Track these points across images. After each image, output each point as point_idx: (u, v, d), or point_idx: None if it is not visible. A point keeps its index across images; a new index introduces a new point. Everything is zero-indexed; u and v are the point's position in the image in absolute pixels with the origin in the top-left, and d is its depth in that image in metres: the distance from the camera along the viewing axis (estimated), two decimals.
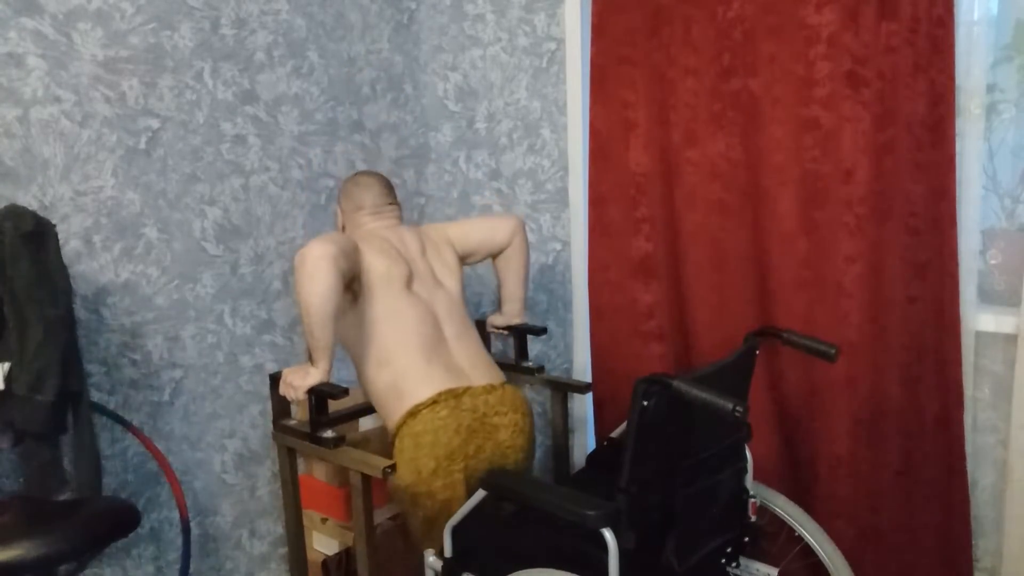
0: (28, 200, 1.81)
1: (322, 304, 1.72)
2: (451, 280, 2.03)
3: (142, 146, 2.00)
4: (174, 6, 2.03)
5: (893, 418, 1.94)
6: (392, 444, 1.87)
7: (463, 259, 2.12)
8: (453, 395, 1.84)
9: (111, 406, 1.97)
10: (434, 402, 1.81)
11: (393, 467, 1.80)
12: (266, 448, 2.33)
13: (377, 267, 1.87)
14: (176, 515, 2.13)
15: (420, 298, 1.93)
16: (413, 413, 1.82)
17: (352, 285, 1.85)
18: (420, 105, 2.74)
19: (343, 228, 2.09)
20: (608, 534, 1.39)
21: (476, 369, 1.93)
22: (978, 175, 1.84)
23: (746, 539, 1.72)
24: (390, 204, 2.07)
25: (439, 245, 2.07)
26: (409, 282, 1.93)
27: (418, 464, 1.80)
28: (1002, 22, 1.84)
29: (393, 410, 1.86)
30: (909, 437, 1.95)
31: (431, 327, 1.91)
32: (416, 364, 1.85)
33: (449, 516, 1.80)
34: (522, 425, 1.93)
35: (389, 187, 2.09)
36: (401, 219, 2.10)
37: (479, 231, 2.14)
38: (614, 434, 2.01)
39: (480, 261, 2.19)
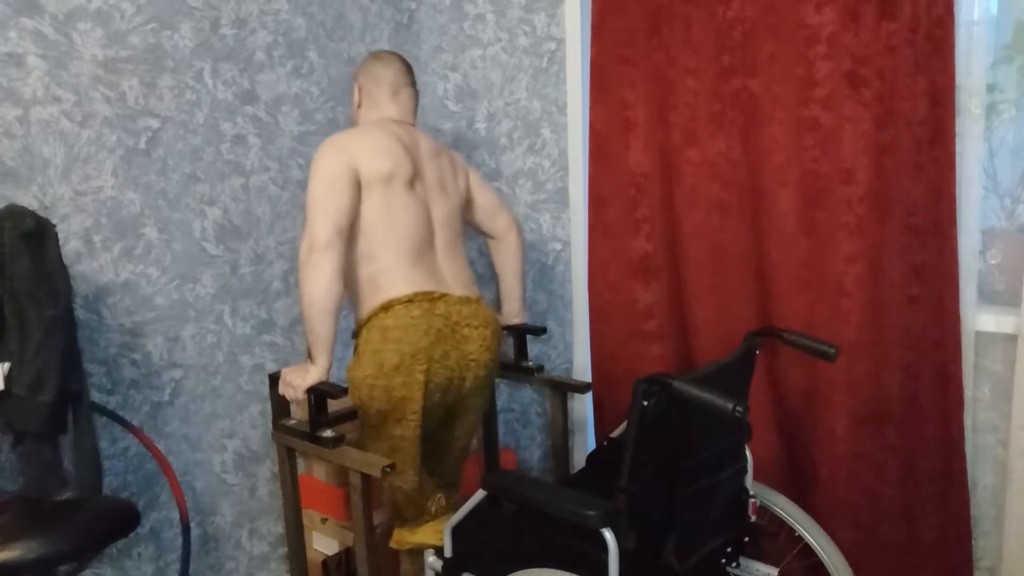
0: (28, 200, 1.81)
1: (325, 295, 1.73)
2: (456, 194, 2.03)
3: (142, 146, 2.00)
4: (174, 6, 2.03)
5: (893, 418, 1.94)
6: (358, 334, 1.87)
7: (468, 198, 2.14)
8: (429, 298, 1.84)
9: (111, 406, 1.97)
10: (409, 300, 1.82)
11: (392, 466, 1.80)
12: (266, 448, 2.33)
13: (379, 169, 1.84)
14: (176, 515, 2.13)
15: (419, 199, 1.92)
16: (386, 307, 1.82)
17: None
18: (420, 105, 2.74)
19: (359, 105, 2.05)
20: (608, 534, 1.39)
21: (457, 281, 1.95)
22: (978, 175, 1.84)
23: (746, 539, 1.72)
24: (409, 85, 2.05)
25: (456, 166, 2.08)
26: (412, 181, 1.91)
27: (382, 357, 1.80)
28: (1002, 22, 1.84)
29: (367, 302, 1.86)
30: (909, 437, 1.95)
31: (423, 231, 1.91)
32: (400, 263, 1.85)
33: (401, 416, 1.82)
34: (490, 342, 1.94)
35: (409, 67, 2.07)
36: (416, 109, 2.08)
37: (489, 195, 2.18)
38: (614, 434, 2.01)
39: (469, 223, 2.18)
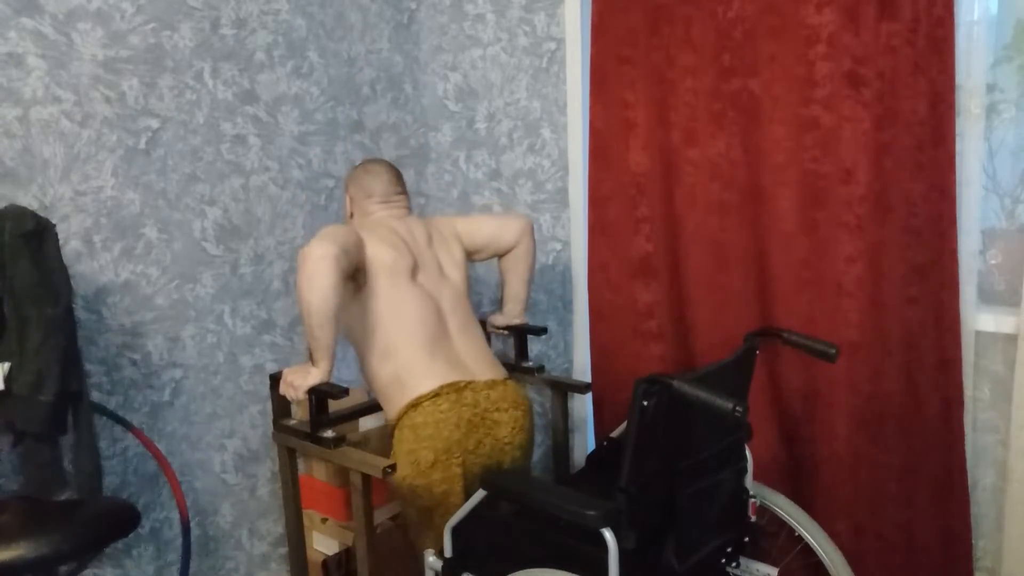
0: (28, 200, 1.81)
1: (322, 304, 1.72)
2: (457, 273, 2.03)
3: (142, 146, 2.00)
4: (174, 6, 2.03)
5: (893, 418, 1.94)
6: (392, 435, 1.88)
7: (470, 255, 2.13)
8: (455, 389, 1.84)
9: (111, 406, 1.97)
10: (436, 395, 1.82)
11: (393, 466, 1.80)
12: (266, 448, 2.33)
13: (382, 258, 1.87)
14: (176, 515, 2.13)
15: (425, 290, 1.93)
16: (415, 405, 1.82)
17: (356, 276, 1.86)
18: (420, 105, 2.74)
19: (351, 215, 2.08)
20: (608, 534, 1.39)
21: (479, 364, 1.93)
22: (978, 175, 1.84)
23: (746, 539, 1.72)
24: (399, 193, 2.07)
25: (447, 238, 2.07)
26: (414, 273, 1.92)
27: (417, 456, 1.80)
28: (1002, 22, 1.84)
29: (395, 402, 1.86)
30: (909, 437, 1.95)
31: (435, 320, 1.91)
32: (419, 357, 1.85)
33: (446, 510, 1.80)
34: (522, 422, 1.93)
35: (399, 176, 2.08)
36: (410, 208, 2.10)
37: (488, 229, 2.14)
38: (614, 434, 2.01)
39: (486, 259, 2.19)
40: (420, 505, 1.83)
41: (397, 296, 1.87)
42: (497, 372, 1.96)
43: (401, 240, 1.94)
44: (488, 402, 1.88)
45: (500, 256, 2.19)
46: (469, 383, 1.87)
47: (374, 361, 1.88)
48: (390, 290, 1.87)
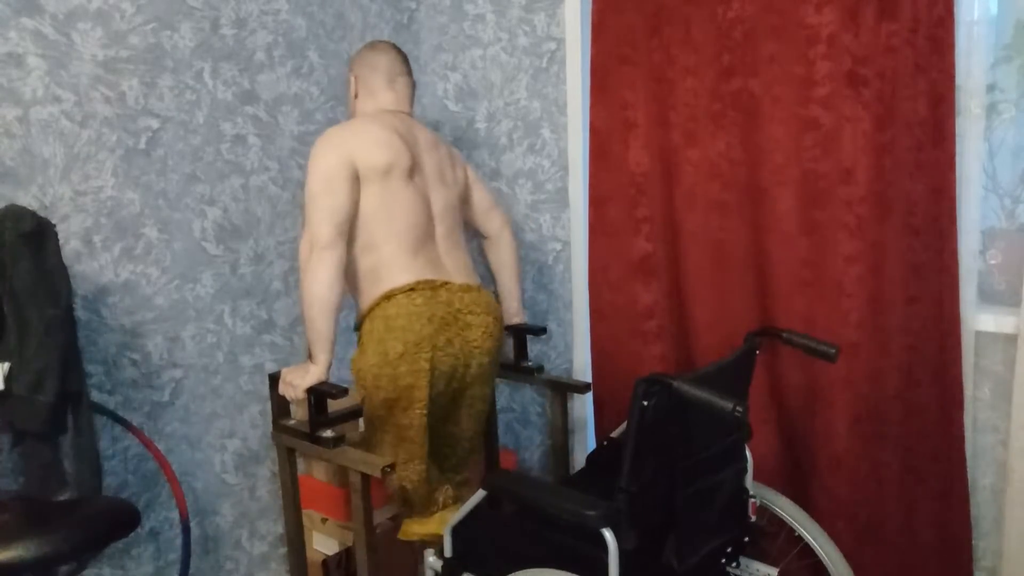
0: (28, 200, 1.81)
1: (326, 293, 1.73)
2: (454, 185, 2.04)
3: (142, 146, 2.00)
4: (174, 6, 2.03)
5: (893, 418, 1.94)
6: (361, 326, 1.88)
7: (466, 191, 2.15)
8: (431, 286, 1.85)
9: (111, 406, 1.97)
10: (411, 289, 1.82)
11: (392, 466, 1.80)
12: (266, 448, 2.33)
13: (375, 162, 1.84)
14: (176, 515, 2.13)
15: (418, 190, 1.92)
16: (388, 296, 1.82)
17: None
18: (420, 105, 2.74)
19: (356, 95, 2.05)
20: (608, 534, 1.39)
21: (458, 269, 1.96)
22: (978, 175, 1.84)
23: (746, 539, 1.72)
24: (405, 74, 2.05)
25: (455, 159, 2.08)
26: (410, 172, 1.91)
27: (386, 346, 1.80)
28: (1002, 22, 1.84)
29: (369, 293, 1.87)
30: (909, 437, 1.95)
31: (423, 221, 1.91)
32: (400, 253, 1.86)
33: (408, 404, 1.82)
34: (492, 329, 1.95)
35: (405, 58, 2.07)
36: (413, 98, 2.08)
37: (483, 192, 2.19)
38: (614, 434, 2.01)
39: (464, 221, 2.19)
40: (382, 398, 1.83)
41: (388, 197, 1.86)
42: (474, 279, 1.98)
43: (400, 139, 1.90)
44: (462, 303, 1.89)
45: (480, 236, 2.22)
46: (445, 283, 1.88)
47: (355, 253, 1.87)
48: (382, 189, 1.85)
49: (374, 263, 1.86)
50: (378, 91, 2.01)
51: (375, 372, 1.81)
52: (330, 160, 1.81)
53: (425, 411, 1.84)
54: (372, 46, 2.05)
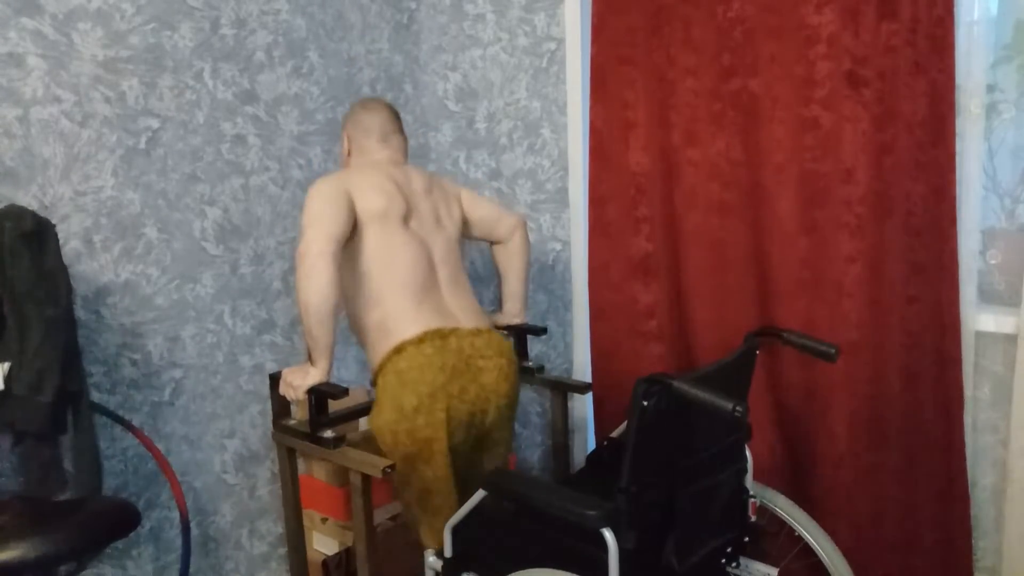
0: (28, 200, 1.81)
1: (321, 302, 1.72)
2: (452, 227, 2.02)
3: (142, 146, 2.00)
4: (174, 6, 2.03)
5: (893, 418, 1.94)
6: (375, 382, 1.86)
7: (463, 226, 2.13)
8: (440, 335, 1.83)
9: (111, 406, 1.97)
10: (420, 340, 1.80)
11: (393, 466, 1.80)
12: (266, 448, 2.33)
13: (373, 207, 1.84)
14: (176, 515, 2.13)
15: (416, 236, 1.91)
16: (399, 349, 1.80)
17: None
18: (420, 105, 2.74)
19: (348, 154, 2.06)
20: (608, 534, 1.39)
21: (465, 313, 1.93)
22: (978, 175, 1.84)
23: (746, 539, 1.72)
24: (397, 132, 2.05)
25: (448, 195, 2.07)
26: (406, 219, 1.90)
27: (401, 401, 1.78)
28: (1002, 22, 1.84)
29: (379, 348, 1.85)
30: (909, 437, 1.95)
31: (425, 267, 1.90)
32: (406, 304, 1.84)
33: (429, 456, 1.80)
34: (507, 371, 1.92)
35: (396, 115, 2.07)
36: (407, 153, 2.08)
37: (487, 208, 2.16)
38: (614, 434, 2.01)
39: (477, 238, 2.19)
40: (404, 453, 1.81)
41: (387, 243, 1.85)
42: (483, 322, 1.95)
43: (395, 185, 1.90)
44: (473, 349, 1.86)
45: (492, 244, 2.20)
46: (454, 329, 1.86)
47: (361, 308, 1.87)
48: (380, 237, 1.85)
49: (381, 317, 1.84)
50: (371, 151, 2.02)
51: (393, 428, 1.80)
52: (329, 187, 1.82)
53: (448, 461, 1.82)
54: (364, 106, 2.04)
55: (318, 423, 1.90)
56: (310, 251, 1.72)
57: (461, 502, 1.89)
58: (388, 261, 1.85)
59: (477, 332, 1.89)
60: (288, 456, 2.09)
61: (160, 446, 2.09)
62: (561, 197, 2.48)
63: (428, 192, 1.99)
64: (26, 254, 1.57)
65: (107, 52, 1.92)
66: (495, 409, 1.91)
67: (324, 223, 1.75)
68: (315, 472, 2.24)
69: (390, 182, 1.90)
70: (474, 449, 1.96)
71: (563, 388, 2.32)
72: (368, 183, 1.87)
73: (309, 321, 1.74)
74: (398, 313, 1.83)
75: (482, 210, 2.15)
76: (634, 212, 2.21)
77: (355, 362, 2.61)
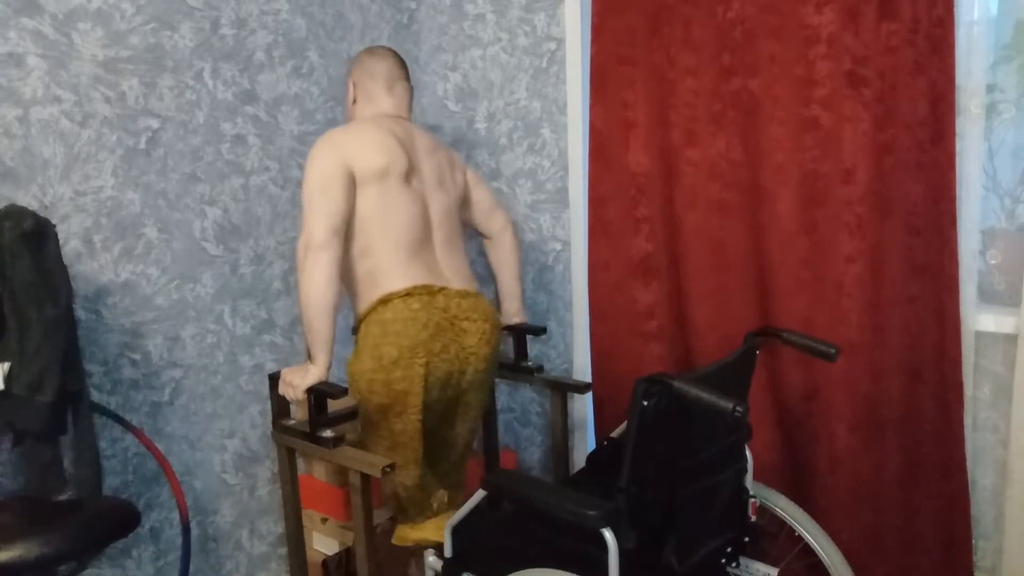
0: (28, 200, 1.81)
1: (322, 296, 1.73)
2: (454, 190, 2.03)
3: (142, 146, 2.00)
4: (174, 6, 2.03)
5: (893, 418, 1.94)
6: (357, 329, 1.88)
7: (465, 195, 2.15)
8: (428, 291, 1.84)
9: (111, 406, 1.97)
10: (408, 294, 1.82)
11: (392, 466, 1.80)
12: (266, 448, 2.33)
13: (372, 165, 1.84)
14: (176, 515, 2.13)
15: (416, 194, 1.91)
16: (385, 300, 1.81)
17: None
18: (420, 105, 2.74)
19: (354, 100, 2.05)
20: (608, 534, 1.39)
21: (455, 275, 1.94)
22: (978, 175, 1.84)
23: (746, 539, 1.72)
24: (403, 79, 2.05)
25: (455, 163, 2.08)
26: (408, 176, 1.90)
27: (381, 351, 1.79)
28: (1002, 22, 1.84)
29: (365, 297, 1.86)
30: (909, 437, 1.95)
31: (421, 226, 1.90)
32: (398, 258, 1.85)
33: (402, 409, 1.81)
34: (489, 335, 1.94)
35: (403, 63, 2.07)
36: (411, 103, 2.08)
37: (485, 193, 2.19)
38: (614, 434, 2.01)
39: (466, 224, 2.19)
40: (377, 403, 1.82)
41: (385, 199, 1.85)
42: (471, 285, 1.97)
43: (397, 142, 1.90)
44: (459, 309, 1.88)
45: (481, 237, 2.22)
46: (443, 288, 1.88)
47: (352, 258, 1.87)
48: (379, 195, 1.85)
49: (371, 268, 1.85)
50: (377, 97, 2.01)
51: (369, 377, 1.81)
52: (327, 162, 1.81)
53: (420, 417, 1.84)
54: (370, 52, 2.04)
55: (318, 423, 1.90)
56: (312, 245, 1.73)
57: (428, 462, 1.91)
58: (385, 215, 1.85)
59: (465, 294, 1.91)
60: (288, 456, 2.09)
61: (160, 446, 2.09)
62: (561, 197, 2.48)
63: (432, 152, 2.00)
64: (26, 254, 1.57)
65: (107, 52, 1.92)
66: (473, 371, 1.93)
67: (325, 214, 1.76)
68: (315, 472, 2.24)
69: (392, 139, 1.89)
70: (447, 410, 1.98)
71: (563, 388, 2.32)
72: (369, 142, 1.86)
73: (309, 314, 1.74)
74: (388, 265, 1.84)
75: (481, 192, 2.18)
76: (634, 212, 2.21)
77: None
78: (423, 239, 1.91)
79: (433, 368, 1.83)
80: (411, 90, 2.08)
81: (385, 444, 1.87)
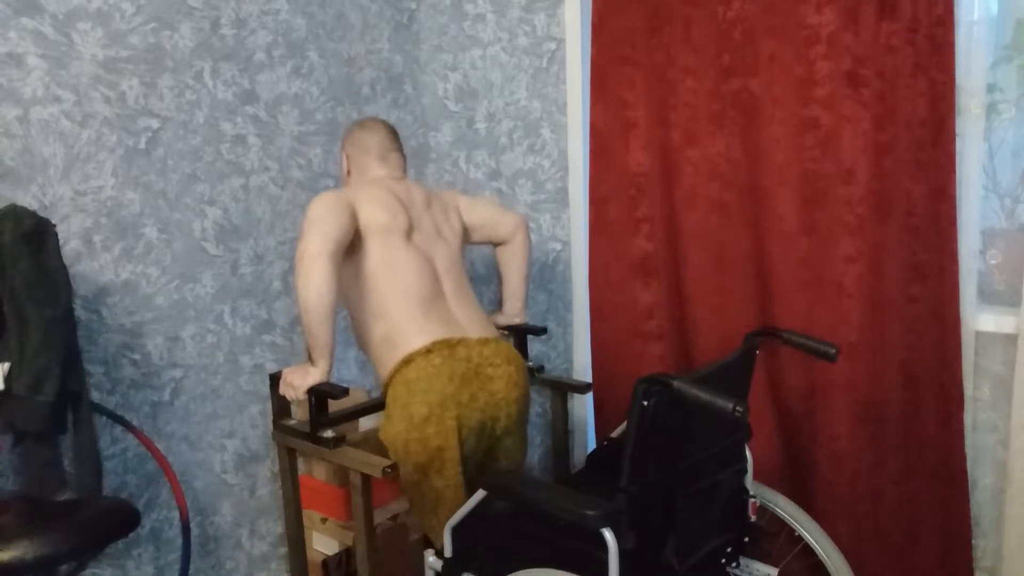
0: (28, 200, 1.81)
1: (320, 302, 1.72)
2: (453, 238, 2.03)
3: (142, 146, 2.00)
4: (174, 6, 2.03)
5: (893, 418, 1.94)
6: (385, 394, 1.87)
7: (465, 232, 2.13)
8: (447, 345, 1.83)
9: (111, 406, 1.97)
10: (428, 350, 1.81)
11: (393, 466, 1.80)
12: (266, 448, 2.33)
13: (376, 220, 1.85)
14: (176, 515, 2.13)
15: (420, 250, 1.92)
16: (407, 361, 1.81)
17: (351, 241, 1.85)
18: (420, 105, 2.74)
19: (348, 173, 2.07)
20: (608, 534, 1.39)
21: (472, 323, 1.93)
22: (978, 175, 1.84)
23: (746, 539, 1.72)
24: (396, 150, 2.06)
25: (447, 206, 2.07)
26: (409, 233, 1.91)
27: (410, 410, 1.79)
28: (1002, 22, 1.84)
29: (387, 361, 1.85)
30: (909, 437, 1.95)
31: (429, 281, 1.90)
32: (412, 316, 1.84)
33: (441, 466, 1.80)
34: (516, 378, 1.92)
35: (395, 133, 2.08)
36: (406, 170, 2.09)
37: (487, 211, 2.16)
38: (614, 434, 2.01)
39: (479, 242, 2.19)
40: (415, 463, 1.81)
41: (391, 256, 1.86)
42: (490, 331, 1.96)
43: (397, 200, 1.91)
44: (481, 357, 1.87)
45: (495, 246, 2.20)
46: (462, 339, 1.86)
47: (367, 322, 1.87)
48: (384, 251, 1.85)
49: (387, 330, 1.85)
50: (370, 169, 2.03)
51: (404, 438, 1.80)
52: (331, 196, 1.83)
53: (459, 470, 1.82)
54: (362, 125, 2.05)
55: (318, 423, 1.90)
56: (308, 251, 1.72)
57: None
58: (392, 274, 1.85)
59: (485, 341, 1.90)
60: (288, 456, 2.09)
61: (160, 446, 2.09)
62: (561, 197, 2.48)
63: (428, 206, 2.01)
64: (26, 254, 1.57)
65: (107, 52, 1.92)
66: (506, 416, 1.91)
67: (323, 225, 1.75)
68: (315, 472, 2.24)
69: (392, 196, 1.91)
70: (486, 456, 1.96)
71: (563, 388, 2.32)
72: (371, 198, 1.88)
73: (309, 320, 1.74)
74: (404, 325, 1.84)
75: (481, 214, 2.15)
76: (634, 212, 2.21)
77: (355, 362, 2.61)
78: (434, 292, 1.90)
79: (465, 419, 1.82)
80: (404, 158, 2.09)
81: (430, 503, 1.85)
